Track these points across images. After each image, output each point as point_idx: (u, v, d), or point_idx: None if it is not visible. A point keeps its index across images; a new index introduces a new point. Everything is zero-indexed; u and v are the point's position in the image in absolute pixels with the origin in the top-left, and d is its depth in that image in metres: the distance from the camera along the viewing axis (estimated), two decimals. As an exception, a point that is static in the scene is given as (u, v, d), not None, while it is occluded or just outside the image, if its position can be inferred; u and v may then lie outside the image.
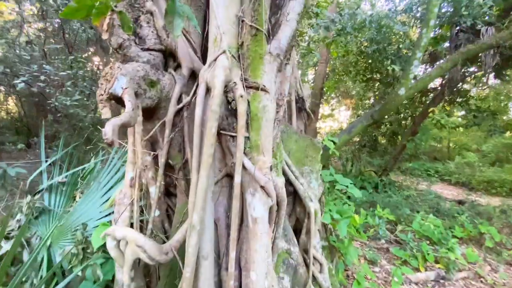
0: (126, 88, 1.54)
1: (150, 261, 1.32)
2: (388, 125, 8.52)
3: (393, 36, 4.76)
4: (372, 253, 3.64)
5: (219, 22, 1.24)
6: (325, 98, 11.18)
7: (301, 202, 2.36)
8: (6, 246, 1.63)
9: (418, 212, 5.13)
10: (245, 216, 1.36)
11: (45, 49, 4.70)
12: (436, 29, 4.93)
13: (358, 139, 11.93)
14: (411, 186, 7.99)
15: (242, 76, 1.24)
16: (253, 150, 1.27)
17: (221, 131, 1.30)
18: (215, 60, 1.21)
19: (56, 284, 1.66)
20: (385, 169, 7.87)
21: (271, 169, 1.30)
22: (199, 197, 1.20)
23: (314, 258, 2.30)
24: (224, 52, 1.20)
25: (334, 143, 3.58)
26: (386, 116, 7.81)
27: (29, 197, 1.77)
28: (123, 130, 1.63)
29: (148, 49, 1.92)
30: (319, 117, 11.65)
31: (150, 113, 1.84)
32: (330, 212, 2.41)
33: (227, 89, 1.22)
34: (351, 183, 3.24)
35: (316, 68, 9.46)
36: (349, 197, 4.72)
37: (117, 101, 1.61)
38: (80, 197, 2.09)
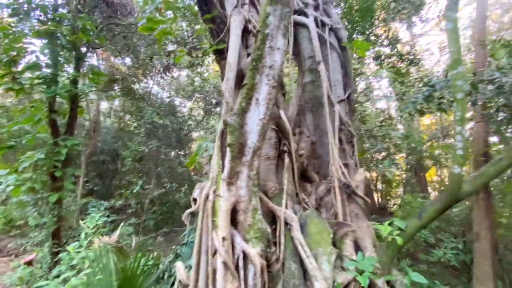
0: (198, 195, 3.29)
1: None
2: None
3: None
4: None
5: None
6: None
7: (313, 280, 2.72)
8: (162, 267, 3.62)
9: None
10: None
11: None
12: None
13: None
14: None
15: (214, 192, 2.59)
16: (215, 228, 2.45)
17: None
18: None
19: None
20: None
21: (223, 239, 2.36)
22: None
23: None
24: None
25: (402, 230, 3.26)
26: None
27: (175, 246, 3.78)
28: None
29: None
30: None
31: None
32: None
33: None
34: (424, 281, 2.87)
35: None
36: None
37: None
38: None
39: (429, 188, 14.27)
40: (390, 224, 3.34)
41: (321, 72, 4.22)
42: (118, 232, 4.85)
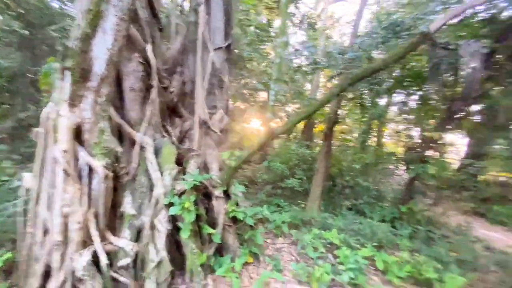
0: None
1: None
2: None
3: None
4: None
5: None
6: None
7: (156, 188, 3.51)
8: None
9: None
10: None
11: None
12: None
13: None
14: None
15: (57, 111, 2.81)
16: (56, 142, 2.78)
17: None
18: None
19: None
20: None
21: (64, 151, 2.75)
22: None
23: (155, 226, 3.37)
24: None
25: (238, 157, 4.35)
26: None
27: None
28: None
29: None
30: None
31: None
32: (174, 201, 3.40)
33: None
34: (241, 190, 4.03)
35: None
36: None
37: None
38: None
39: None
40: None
41: (199, 14, 4.44)
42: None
